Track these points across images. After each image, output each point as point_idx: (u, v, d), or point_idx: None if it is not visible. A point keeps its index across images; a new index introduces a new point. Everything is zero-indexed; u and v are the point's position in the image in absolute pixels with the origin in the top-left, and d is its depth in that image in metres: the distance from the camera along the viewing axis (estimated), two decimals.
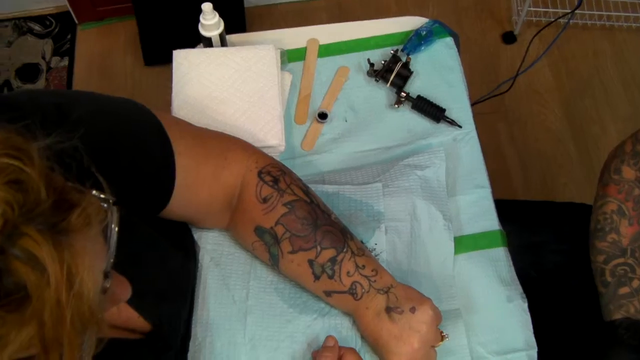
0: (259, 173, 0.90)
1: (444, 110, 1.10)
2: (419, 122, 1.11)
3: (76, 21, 2.38)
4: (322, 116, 1.11)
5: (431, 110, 1.10)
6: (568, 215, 1.25)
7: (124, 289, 0.66)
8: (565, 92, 2.20)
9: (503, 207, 1.10)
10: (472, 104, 2.00)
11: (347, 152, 1.09)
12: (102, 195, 0.59)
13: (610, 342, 0.94)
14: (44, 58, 2.34)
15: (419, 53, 1.16)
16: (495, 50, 2.28)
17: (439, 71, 1.15)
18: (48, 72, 2.31)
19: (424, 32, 1.15)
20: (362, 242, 0.95)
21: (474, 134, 1.10)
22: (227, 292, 0.93)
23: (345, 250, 0.88)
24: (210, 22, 1.07)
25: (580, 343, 1.03)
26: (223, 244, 0.97)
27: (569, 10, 1.87)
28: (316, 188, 1.00)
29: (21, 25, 2.40)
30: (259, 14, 2.37)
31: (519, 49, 2.21)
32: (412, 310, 0.86)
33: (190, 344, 0.91)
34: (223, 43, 1.12)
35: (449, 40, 1.18)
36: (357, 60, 1.17)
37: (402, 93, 1.11)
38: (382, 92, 1.14)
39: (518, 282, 0.99)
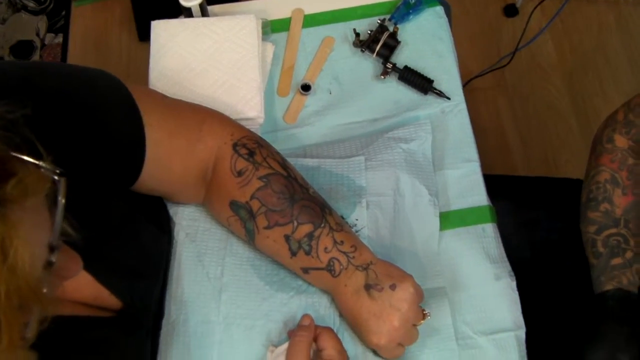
0: (234, 145, 0.86)
1: (431, 81, 1.06)
2: (405, 93, 1.07)
3: None
4: (306, 88, 1.07)
5: (418, 82, 1.06)
6: (563, 191, 1.21)
7: (75, 264, 0.63)
8: (568, 66, 2.15)
9: (497, 183, 1.07)
10: (472, 78, 1.98)
11: (330, 125, 1.06)
12: (45, 165, 0.56)
13: (600, 315, 0.91)
14: (38, 35, 2.31)
15: (407, 22, 1.12)
16: (496, 23, 2.22)
17: (428, 41, 1.11)
18: (42, 49, 2.28)
19: (413, 1, 1.11)
20: (342, 217, 0.92)
21: (463, 106, 1.06)
22: (202, 269, 0.90)
23: (323, 225, 0.85)
24: None
25: (571, 324, 0.99)
26: (199, 219, 0.94)
27: None
28: (297, 161, 0.97)
29: (15, 2, 2.36)
30: None
31: (521, 22, 2.15)
32: (393, 287, 0.83)
33: (164, 322, 0.88)
34: (204, 13, 1.08)
35: (439, 9, 1.14)
36: (343, 31, 1.12)
37: (389, 64, 1.07)
38: (368, 63, 1.10)
39: (507, 260, 0.95)
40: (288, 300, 0.89)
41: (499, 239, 0.97)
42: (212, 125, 0.87)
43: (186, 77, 1.01)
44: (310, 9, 1.14)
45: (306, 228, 0.84)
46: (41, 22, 2.33)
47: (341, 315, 0.88)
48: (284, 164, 0.87)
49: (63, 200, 0.58)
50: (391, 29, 1.09)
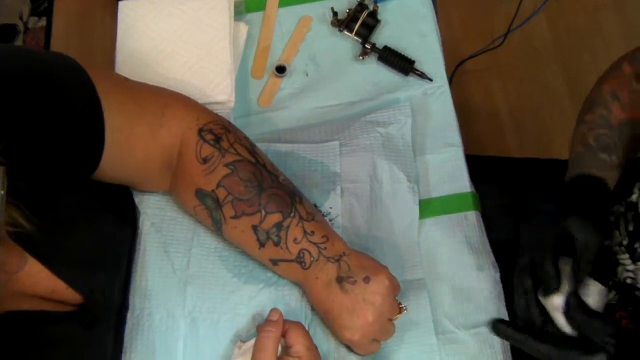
0: (200, 131, 0.82)
1: (413, 62, 1.01)
2: (385, 75, 1.03)
3: None
4: (281, 70, 1.02)
5: (399, 62, 1.01)
6: (552, 172, 1.17)
7: (17, 259, 0.60)
8: (563, 47, 2.10)
9: (479, 165, 1.02)
10: (465, 60, 1.93)
11: (307, 108, 1.01)
12: None
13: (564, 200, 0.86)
14: (21, 18, 2.25)
15: (388, 1, 1.07)
16: (489, 3, 2.16)
17: (409, 20, 1.06)
18: (25, 32, 2.23)
19: None
20: (315, 205, 0.87)
21: (446, 87, 1.01)
22: (167, 260, 0.86)
23: (292, 215, 0.81)
24: None
25: None
26: (165, 208, 0.90)
27: None
28: (269, 147, 0.93)
29: None
30: None
31: (515, 2, 2.09)
32: (366, 280, 0.79)
33: (128, 315, 0.84)
34: None
35: None
36: (321, 10, 1.07)
37: (368, 44, 1.02)
38: (346, 44, 1.05)
39: (490, 250, 0.91)
40: (257, 293, 0.85)
41: (483, 228, 0.93)
42: (175, 109, 0.82)
43: (154, 59, 0.97)
44: None
45: (275, 218, 0.80)
46: (24, 6, 2.27)
47: (313, 309, 0.84)
48: (252, 150, 0.83)
49: (2, 191, 0.54)
50: (371, 7, 1.04)
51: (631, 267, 0.86)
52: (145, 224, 0.88)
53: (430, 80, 1.01)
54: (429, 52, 1.04)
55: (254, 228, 0.80)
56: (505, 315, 0.87)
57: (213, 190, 0.81)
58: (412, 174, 0.93)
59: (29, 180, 0.57)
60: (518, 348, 0.82)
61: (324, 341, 0.83)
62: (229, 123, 0.86)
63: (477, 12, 2.16)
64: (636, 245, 0.85)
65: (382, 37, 1.05)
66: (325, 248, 0.80)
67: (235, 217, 0.80)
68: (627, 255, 0.86)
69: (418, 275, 0.88)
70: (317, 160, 0.93)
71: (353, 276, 0.79)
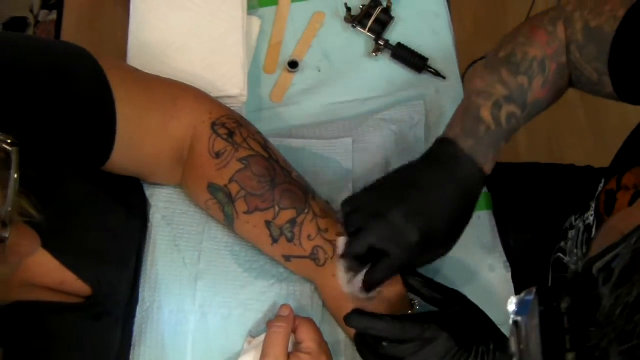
0: (213, 125, 0.81)
1: (426, 59, 1.00)
2: (399, 72, 1.02)
3: None
4: (293, 65, 1.02)
5: (412, 60, 1.00)
6: (562, 177, 1.16)
7: (30, 241, 0.60)
8: None
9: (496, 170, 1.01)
10: (476, 60, 1.92)
11: (319, 104, 1.00)
12: None
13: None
14: (32, 11, 2.25)
15: None
16: (502, 3, 2.16)
17: (423, 17, 1.05)
18: (36, 25, 2.23)
19: None
20: (327, 202, 0.86)
21: (460, 86, 1.01)
22: (178, 254, 0.86)
23: (306, 211, 0.80)
24: None
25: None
26: (176, 201, 0.89)
27: None
28: (281, 142, 0.92)
29: None
30: None
31: (528, 2, 2.08)
32: None
33: (138, 309, 0.84)
34: None
35: None
36: (334, 5, 1.06)
37: (381, 41, 1.01)
38: (359, 40, 1.04)
39: (502, 250, 0.91)
40: (268, 289, 0.84)
41: (495, 228, 0.92)
42: (187, 102, 0.82)
43: (166, 52, 0.96)
44: None
45: (288, 214, 0.80)
46: None
47: (324, 305, 0.84)
48: (265, 145, 0.83)
49: (15, 174, 0.54)
50: (384, 3, 1.03)
51: None
52: (156, 217, 0.88)
53: (444, 78, 1.00)
54: (442, 50, 1.03)
55: (267, 224, 0.80)
56: None
57: (225, 185, 0.80)
58: None
59: (38, 169, 0.57)
60: None
61: (335, 338, 0.83)
62: (242, 117, 0.85)
63: (490, 12, 2.15)
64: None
65: (396, 34, 1.04)
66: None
67: (248, 212, 0.80)
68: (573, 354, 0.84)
69: (430, 275, 0.87)
70: (329, 157, 0.92)
71: None
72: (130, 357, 0.82)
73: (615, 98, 0.77)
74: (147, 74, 0.83)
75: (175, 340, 0.82)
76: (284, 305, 0.78)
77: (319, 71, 1.03)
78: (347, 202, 0.78)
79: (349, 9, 1.04)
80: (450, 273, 0.88)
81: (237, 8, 0.98)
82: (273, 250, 0.82)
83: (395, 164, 0.90)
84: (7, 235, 0.52)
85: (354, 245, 0.76)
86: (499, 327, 0.81)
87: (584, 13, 0.77)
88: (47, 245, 0.71)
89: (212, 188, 0.81)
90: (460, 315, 0.74)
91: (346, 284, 0.78)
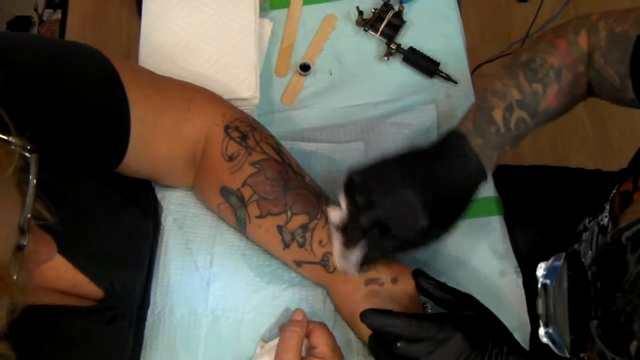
0: (226, 128, 0.81)
1: (438, 63, 1.00)
2: (410, 76, 1.02)
3: None
4: (305, 68, 1.01)
5: (424, 64, 1.00)
6: (568, 180, 1.15)
7: (47, 247, 0.59)
8: None
9: (503, 173, 1.01)
10: (482, 64, 1.92)
11: (330, 107, 1.00)
12: (14, 141, 0.52)
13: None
14: (36, 10, 2.25)
15: (413, 1, 1.06)
16: (507, 7, 2.16)
17: (435, 21, 1.05)
18: (40, 25, 2.23)
19: None
20: None
21: (471, 91, 1.00)
22: (190, 258, 0.85)
23: (319, 216, 0.80)
24: None
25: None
26: (188, 204, 0.89)
27: None
28: (293, 146, 0.92)
29: None
30: None
31: (534, 7, 2.08)
32: (394, 280, 0.79)
33: (149, 312, 0.84)
34: None
35: None
36: (346, 8, 1.06)
37: (393, 44, 1.01)
38: (371, 44, 1.04)
39: (513, 255, 0.90)
40: (280, 293, 0.84)
41: (506, 233, 0.92)
42: (201, 104, 0.82)
43: (178, 53, 0.96)
44: None
45: (300, 219, 0.79)
46: None
47: (336, 310, 0.83)
48: (278, 149, 0.82)
49: (34, 180, 0.54)
50: (396, 7, 1.03)
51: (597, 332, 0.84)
52: (168, 220, 0.88)
53: (455, 82, 1.00)
54: (453, 54, 1.03)
55: (279, 228, 0.80)
56: (526, 321, 0.86)
57: (238, 189, 0.80)
58: None
59: (52, 171, 0.56)
60: (540, 355, 0.82)
61: (347, 343, 0.82)
62: (255, 120, 0.85)
63: (496, 16, 2.15)
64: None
65: (407, 37, 1.04)
66: None
67: (260, 216, 0.80)
68: (595, 322, 0.84)
69: (441, 280, 0.87)
70: (341, 161, 0.92)
71: (381, 278, 0.79)
72: None
73: (637, 105, 0.77)
74: (160, 76, 0.83)
75: (187, 344, 0.82)
76: (297, 310, 0.78)
77: (331, 74, 1.02)
78: (357, 173, 0.76)
79: (360, 12, 1.03)
80: (460, 278, 0.88)
81: (249, 10, 0.98)
82: (284, 255, 0.82)
83: None
84: (25, 243, 0.51)
85: (363, 217, 0.74)
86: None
87: (608, 21, 0.78)
88: (59, 247, 0.70)
89: (225, 191, 0.81)
90: (474, 318, 0.73)
91: (340, 258, 0.78)
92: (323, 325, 0.77)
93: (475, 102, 0.82)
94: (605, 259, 0.50)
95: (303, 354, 0.74)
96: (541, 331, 0.58)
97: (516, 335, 0.83)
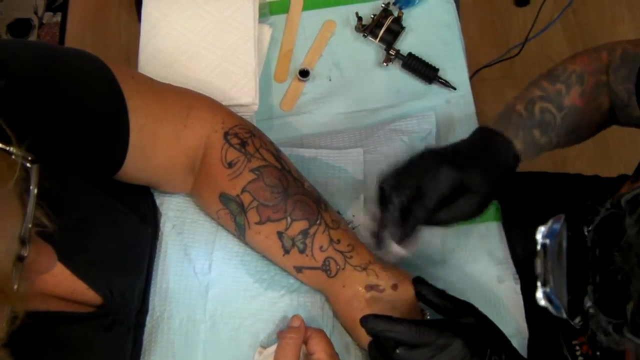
0: (225, 134, 0.81)
1: (437, 70, 1.00)
2: (409, 82, 1.02)
3: None
4: (304, 74, 1.02)
5: (423, 70, 1.00)
6: (566, 186, 1.16)
7: (48, 258, 0.59)
8: None
9: None
10: (481, 68, 1.92)
11: (329, 113, 1.00)
12: (15, 151, 0.52)
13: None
14: (36, 13, 2.25)
15: (413, 7, 1.06)
16: (506, 12, 2.16)
17: (434, 27, 1.05)
18: (40, 27, 2.22)
19: None
20: (338, 213, 0.86)
21: (470, 96, 1.01)
22: (189, 264, 0.86)
23: (318, 222, 0.80)
24: None
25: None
26: (187, 210, 0.89)
27: None
28: (292, 152, 0.92)
29: None
30: None
31: (532, 11, 2.08)
32: (394, 287, 0.79)
33: (148, 318, 0.84)
34: None
35: None
36: (345, 14, 1.07)
37: (392, 50, 1.01)
38: (370, 49, 1.04)
39: (511, 261, 0.90)
40: (278, 299, 0.84)
41: (504, 239, 0.92)
42: (200, 111, 0.82)
43: (178, 59, 0.96)
44: None
45: (300, 225, 0.80)
46: (40, 0, 2.27)
47: (335, 316, 0.84)
48: (277, 156, 0.83)
49: (35, 190, 0.54)
50: (395, 13, 1.03)
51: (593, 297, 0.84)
52: (167, 226, 0.88)
53: (454, 89, 1.01)
54: (452, 60, 1.03)
55: (279, 234, 0.80)
56: (524, 327, 0.86)
57: (238, 195, 0.80)
58: None
59: (51, 179, 0.56)
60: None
61: (345, 350, 0.82)
62: (254, 127, 0.85)
63: (494, 21, 2.16)
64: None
65: (406, 43, 1.04)
66: (351, 257, 0.80)
67: (259, 222, 0.80)
68: (591, 287, 0.85)
69: (440, 286, 0.87)
70: (340, 167, 0.92)
71: (381, 284, 0.79)
72: None
73: None
74: (160, 83, 0.83)
75: (186, 350, 0.82)
76: (295, 316, 0.78)
77: (330, 80, 1.03)
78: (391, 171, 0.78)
79: (360, 18, 1.04)
80: (459, 284, 0.88)
81: (248, 16, 0.98)
82: (284, 261, 0.82)
83: None
84: (26, 254, 0.51)
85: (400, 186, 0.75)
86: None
87: (624, 44, 0.82)
88: (59, 255, 0.70)
89: (224, 198, 0.81)
90: (473, 326, 0.74)
91: (386, 246, 0.78)
92: (321, 332, 0.77)
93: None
94: (604, 224, 0.52)
95: None
96: (539, 293, 0.60)
97: (514, 342, 0.83)
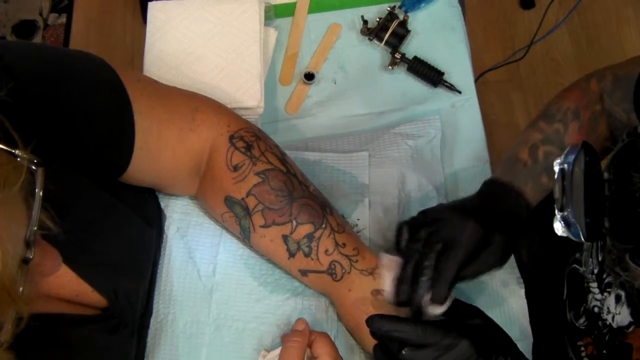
0: (231, 138, 0.81)
1: (442, 73, 1.00)
2: (414, 85, 1.02)
3: None
4: (309, 77, 1.02)
5: (428, 74, 1.00)
6: None
7: (52, 260, 0.59)
8: (584, 61, 2.08)
9: None
10: (486, 71, 1.92)
11: (334, 116, 1.00)
12: (21, 154, 0.52)
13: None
14: (41, 14, 2.26)
15: (418, 11, 1.06)
16: (512, 15, 2.16)
17: (439, 31, 1.05)
18: (45, 29, 2.23)
19: None
20: (343, 216, 0.86)
21: (475, 100, 1.01)
22: (193, 266, 0.86)
23: (324, 226, 0.80)
24: None
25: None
26: (191, 213, 0.89)
27: None
28: (297, 155, 0.92)
29: None
30: None
31: (538, 14, 2.08)
32: None
33: (152, 320, 0.84)
34: None
35: None
36: (351, 17, 1.07)
37: (397, 54, 1.01)
38: (375, 53, 1.04)
39: (515, 265, 0.90)
40: (283, 303, 0.84)
41: None
42: (206, 114, 0.82)
43: (183, 62, 0.96)
44: None
45: (306, 228, 0.80)
46: (45, 2, 2.27)
47: (339, 319, 0.83)
48: (283, 159, 0.83)
49: (40, 193, 0.54)
50: (401, 17, 1.03)
51: (599, 296, 0.84)
52: (171, 229, 0.88)
53: (459, 92, 1.00)
54: (458, 64, 1.03)
55: (284, 238, 0.80)
56: (528, 331, 0.86)
57: (243, 199, 0.80)
58: (441, 188, 0.92)
59: (56, 181, 0.56)
60: None
61: (350, 353, 0.82)
62: (260, 130, 0.85)
63: (500, 24, 2.15)
64: (604, 276, 0.84)
65: (412, 47, 1.04)
66: (357, 261, 0.80)
67: (264, 226, 0.80)
68: (596, 284, 0.85)
69: None
70: (345, 171, 0.92)
71: None
72: None
73: None
74: (166, 85, 0.83)
75: (189, 353, 0.82)
76: (299, 320, 0.78)
77: (335, 83, 1.03)
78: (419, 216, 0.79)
79: (365, 22, 1.04)
80: (463, 288, 0.88)
81: (254, 19, 0.98)
82: (289, 264, 0.82)
83: (411, 179, 0.91)
84: (31, 257, 0.51)
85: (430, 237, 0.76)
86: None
87: (614, 70, 0.84)
88: (63, 257, 0.70)
89: (229, 201, 0.81)
90: (480, 327, 0.73)
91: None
92: (325, 335, 0.77)
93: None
94: (623, 151, 0.56)
95: None
96: (556, 222, 0.62)
97: (518, 346, 0.83)
